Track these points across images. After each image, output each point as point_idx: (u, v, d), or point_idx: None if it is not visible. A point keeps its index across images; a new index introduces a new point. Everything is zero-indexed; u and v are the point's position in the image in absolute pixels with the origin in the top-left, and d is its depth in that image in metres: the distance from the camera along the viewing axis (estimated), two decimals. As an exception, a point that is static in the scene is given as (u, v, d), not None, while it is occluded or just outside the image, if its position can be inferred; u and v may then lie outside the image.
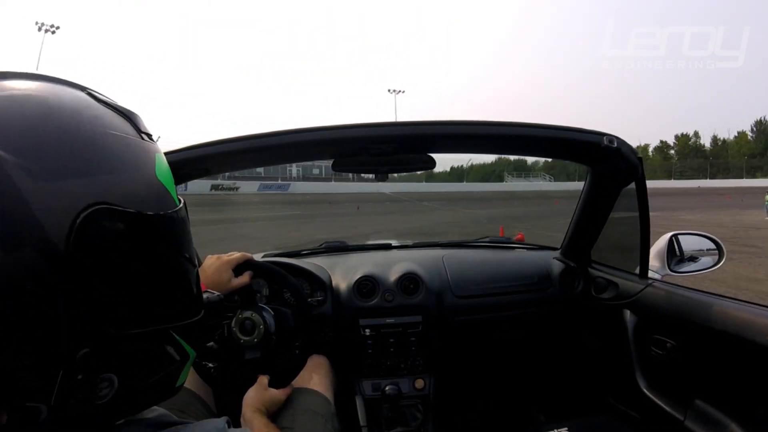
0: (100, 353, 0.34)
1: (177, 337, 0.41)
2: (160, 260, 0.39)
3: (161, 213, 0.38)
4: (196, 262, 0.46)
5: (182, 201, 0.43)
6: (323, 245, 1.83)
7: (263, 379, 1.01)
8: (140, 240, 0.36)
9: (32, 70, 0.40)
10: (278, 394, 1.01)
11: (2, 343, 0.30)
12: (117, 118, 0.39)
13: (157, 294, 0.39)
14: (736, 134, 62.34)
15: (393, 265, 1.45)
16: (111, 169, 0.35)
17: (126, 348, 0.36)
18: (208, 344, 1.06)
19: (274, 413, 0.99)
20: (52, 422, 0.33)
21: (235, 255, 1.08)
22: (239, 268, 1.07)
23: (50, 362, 0.32)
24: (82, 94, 0.39)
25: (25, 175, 0.30)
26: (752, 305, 0.91)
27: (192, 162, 0.95)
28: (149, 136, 0.42)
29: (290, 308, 1.18)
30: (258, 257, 1.52)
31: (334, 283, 1.39)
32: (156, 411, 0.44)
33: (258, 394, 0.96)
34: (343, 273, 1.42)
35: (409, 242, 1.88)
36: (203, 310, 0.46)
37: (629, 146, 1.03)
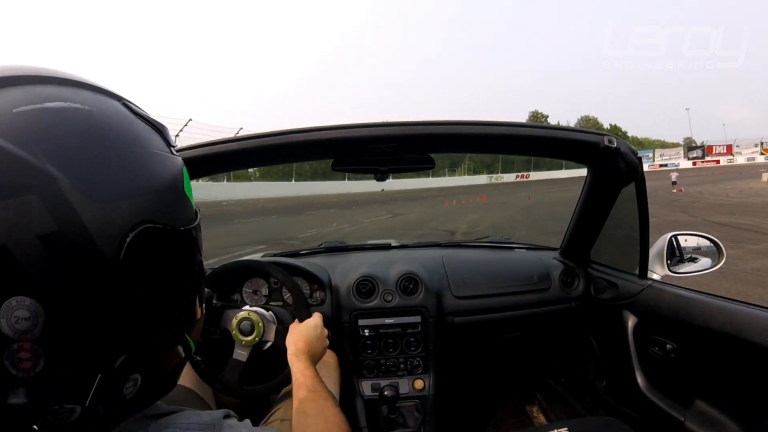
0: (136, 358, 0.36)
1: (187, 336, 0.43)
2: (187, 268, 0.41)
3: (189, 227, 0.41)
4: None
5: (198, 210, 0.45)
6: (322, 245, 1.82)
7: (318, 318, 0.98)
8: (175, 253, 0.39)
9: (68, 69, 0.40)
10: (326, 340, 0.98)
11: (51, 352, 0.31)
12: (153, 133, 0.40)
13: (181, 299, 0.41)
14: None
15: (392, 265, 1.45)
16: (153, 188, 0.37)
17: (152, 350, 0.39)
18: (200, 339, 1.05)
19: (277, 404, 0.98)
20: (83, 421, 0.34)
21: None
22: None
23: (93, 369, 0.34)
24: (121, 107, 0.39)
25: (80, 195, 0.31)
26: (752, 305, 0.91)
27: (192, 162, 0.95)
28: (175, 148, 0.44)
29: (289, 309, 1.18)
30: (258, 257, 1.52)
31: (333, 283, 1.39)
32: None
33: (305, 330, 0.93)
34: (342, 273, 1.42)
35: (409, 242, 1.88)
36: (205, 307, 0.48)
37: (629, 146, 1.03)
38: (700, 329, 0.98)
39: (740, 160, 50.35)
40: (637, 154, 1.05)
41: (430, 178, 37.49)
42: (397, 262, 1.48)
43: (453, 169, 46.72)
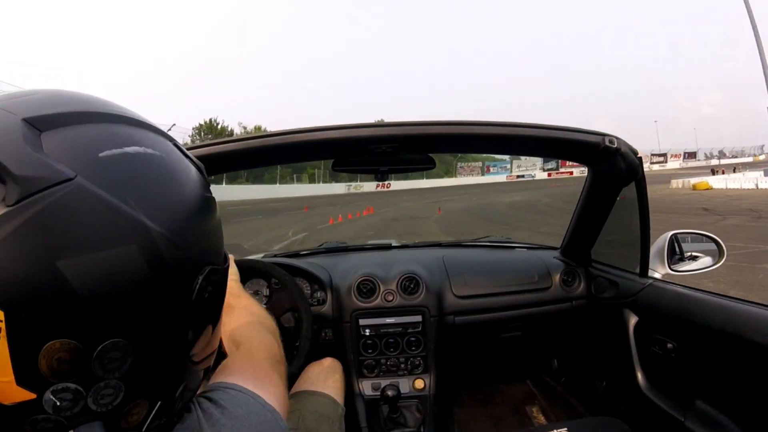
0: (189, 385, 0.39)
1: None
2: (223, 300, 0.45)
3: (227, 265, 0.43)
4: None
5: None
6: (323, 245, 1.82)
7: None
8: (223, 289, 0.43)
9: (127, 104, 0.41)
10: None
11: (130, 386, 0.33)
12: (198, 174, 0.41)
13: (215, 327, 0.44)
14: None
15: (393, 265, 1.45)
16: (210, 232, 0.40)
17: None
18: None
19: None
20: None
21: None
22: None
23: (161, 398, 0.36)
24: (174, 149, 0.40)
25: (167, 242, 0.33)
26: (752, 304, 0.91)
27: None
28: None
29: (290, 308, 1.18)
30: (258, 257, 1.52)
31: (334, 283, 1.39)
32: None
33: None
34: (343, 273, 1.42)
35: (409, 242, 1.88)
36: None
37: (629, 146, 1.03)
38: (700, 328, 0.98)
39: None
40: (637, 153, 1.05)
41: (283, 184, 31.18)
42: (397, 261, 1.48)
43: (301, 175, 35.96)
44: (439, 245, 1.82)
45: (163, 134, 0.40)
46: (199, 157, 0.99)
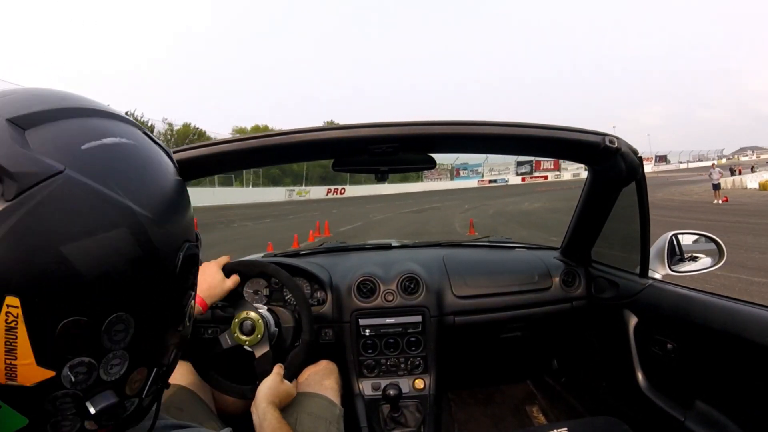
0: (172, 360, 0.43)
1: None
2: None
3: (199, 241, 0.47)
4: None
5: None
6: (322, 245, 1.82)
7: (279, 370, 1.02)
8: (196, 262, 0.45)
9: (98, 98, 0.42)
10: (291, 387, 1.02)
11: (133, 355, 0.36)
12: (169, 159, 0.44)
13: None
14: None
15: (393, 265, 1.45)
16: (185, 212, 0.43)
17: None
18: (215, 353, 1.08)
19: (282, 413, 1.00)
20: (131, 416, 0.40)
21: (222, 258, 1.13)
22: (227, 270, 1.10)
23: (157, 365, 0.40)
24: (143, 136, 0.42)
25: (151, 223, 0.36)
26: (752, 305, 0.91)
27: (192, 162, 0.95)
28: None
29: (290, 307, 1.19)
30: (258, 257, 1.52)
31: (334, 283, 1.39)
32: (162, 418, 0.48)
33: (274, 386, 0.97)
34: (343, 273, 1.42)
35: (409, 242, 1.88)
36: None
37: (630, 146, 1.03)
38: (700, 328, 0.98)
39: (567, 175, 47.50)
40: (637, 153, 1.05)
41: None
42: (397, 261, 1.48)
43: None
44: (439, 245, 1.82)
45: (133, 124, 0.43)
46: (198, 157, 0.99)
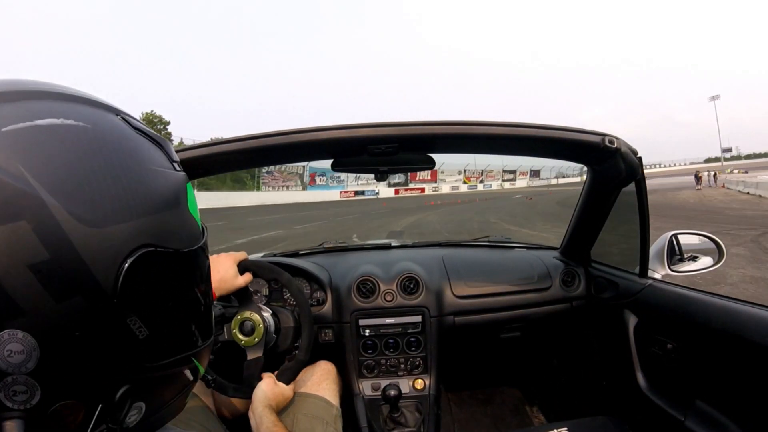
0: (137, 387, 0.35)
1: (194, 360, 0.41)
2: (192, 292, 0.39)
3: (194, 248, 0.39)
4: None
5: (205, 228, 0.43)
6: (323, 245, 1.82)
7: (272, 375, 1.02)
8: (178, 277, 0.37)
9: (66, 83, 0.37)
10: (287, 390, 1.02)
11: (47, 385, 0.30)
12: (153, 149, 0.38)
13: (187, 324, 0.39)
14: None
15: (393, 265, 1.45)
16: (154, 209, 0.35)
17: (155, 377, 0.37)
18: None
19: (280, 415, 1.00)
20: None
21: (241, 253, 1.09)
22: (242, 267, 1.08)
23: (93, 400, 0.32)
24: (119, 122, 0.37)
25: (74, 220, 0.30)
26: (752, 305, 0.91)
27: (191, 163, 0.95)
28: (178, 164, 0.41)
29: (290, 308, 1.19)
30: (258, 257, 1.52)
31: (334, 283, 1.39)
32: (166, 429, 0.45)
33: (269, 390, 0.97)
34: (342, 273, 1.42)
35: (409, 242, 1.88)
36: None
37: (629, 146, 1.03)
38: (700, 328, 0.98)
39: (445, 188, 45.90)
40: (637, 153, 1.05)
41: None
42: (397, 261, 1.48)
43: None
44: (439, 245, 1.82)
45: (107, 108, 0.38)
46: (198, 158, 0.99)
